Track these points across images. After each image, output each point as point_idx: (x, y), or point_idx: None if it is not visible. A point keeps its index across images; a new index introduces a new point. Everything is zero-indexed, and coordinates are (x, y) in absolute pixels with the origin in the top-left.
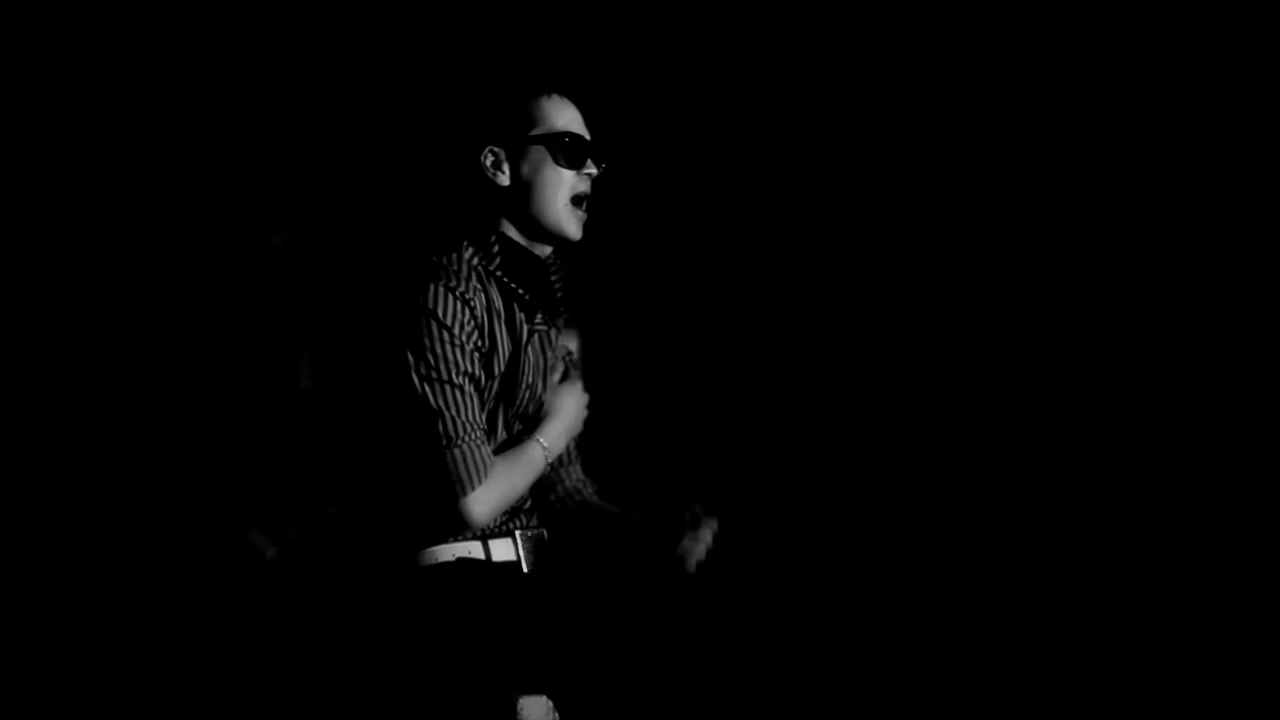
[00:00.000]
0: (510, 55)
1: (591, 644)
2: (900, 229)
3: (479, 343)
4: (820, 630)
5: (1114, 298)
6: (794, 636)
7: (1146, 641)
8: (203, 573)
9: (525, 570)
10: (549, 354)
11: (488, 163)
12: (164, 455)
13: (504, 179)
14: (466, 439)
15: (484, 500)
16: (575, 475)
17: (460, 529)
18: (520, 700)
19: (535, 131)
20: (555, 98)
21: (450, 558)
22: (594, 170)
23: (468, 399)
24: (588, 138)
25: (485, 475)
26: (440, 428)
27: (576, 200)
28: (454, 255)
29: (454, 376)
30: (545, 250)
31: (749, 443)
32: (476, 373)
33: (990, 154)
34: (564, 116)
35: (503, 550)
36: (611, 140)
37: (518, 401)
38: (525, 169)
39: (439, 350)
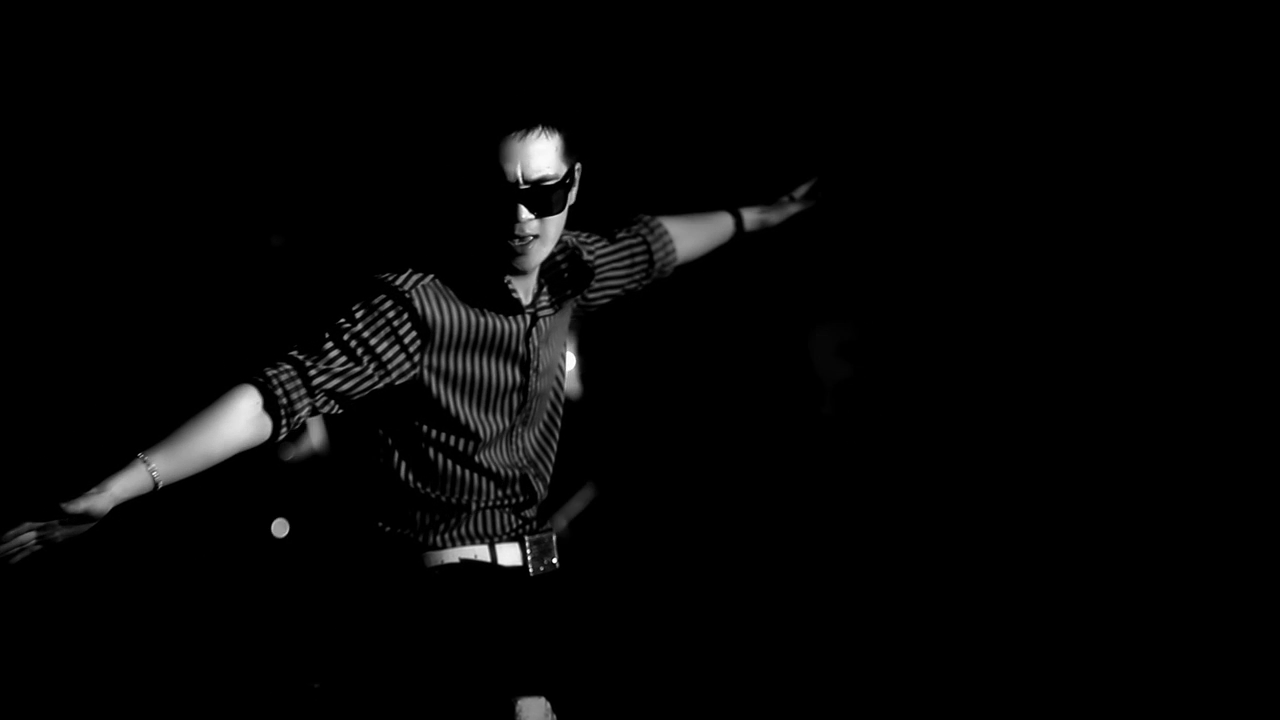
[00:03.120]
0: (492, 74)
1: (591, 644)
2: (896, 228)
3: (405, 337)
4: (820, 630)
5: (1115, 298)
6: (794, 636)
7: (1146, 641)
8: (202, 572)
9: (531, 575)
10: (556, 332)
11: (446, 194)
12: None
13: (456, 213)
14: (287, 378)
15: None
16: (653, 240)
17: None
18: (520, 701)
19: (474, 178)
20: (510, 143)
21: (455, 560)
22: (525, 219)
23: (332, 363)
24: (523, 186)
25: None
26: (290, 350)
27: (507, 253)
28: (418, 258)
29: (342, 337)
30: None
31: (747, 442)
32: (382, 352)
33: (987, 154)
34: (502, 165)
35: (509, 555)
36: (592, 132)
37: (531, 387)
38: (468, 210)
39: (350, 317)
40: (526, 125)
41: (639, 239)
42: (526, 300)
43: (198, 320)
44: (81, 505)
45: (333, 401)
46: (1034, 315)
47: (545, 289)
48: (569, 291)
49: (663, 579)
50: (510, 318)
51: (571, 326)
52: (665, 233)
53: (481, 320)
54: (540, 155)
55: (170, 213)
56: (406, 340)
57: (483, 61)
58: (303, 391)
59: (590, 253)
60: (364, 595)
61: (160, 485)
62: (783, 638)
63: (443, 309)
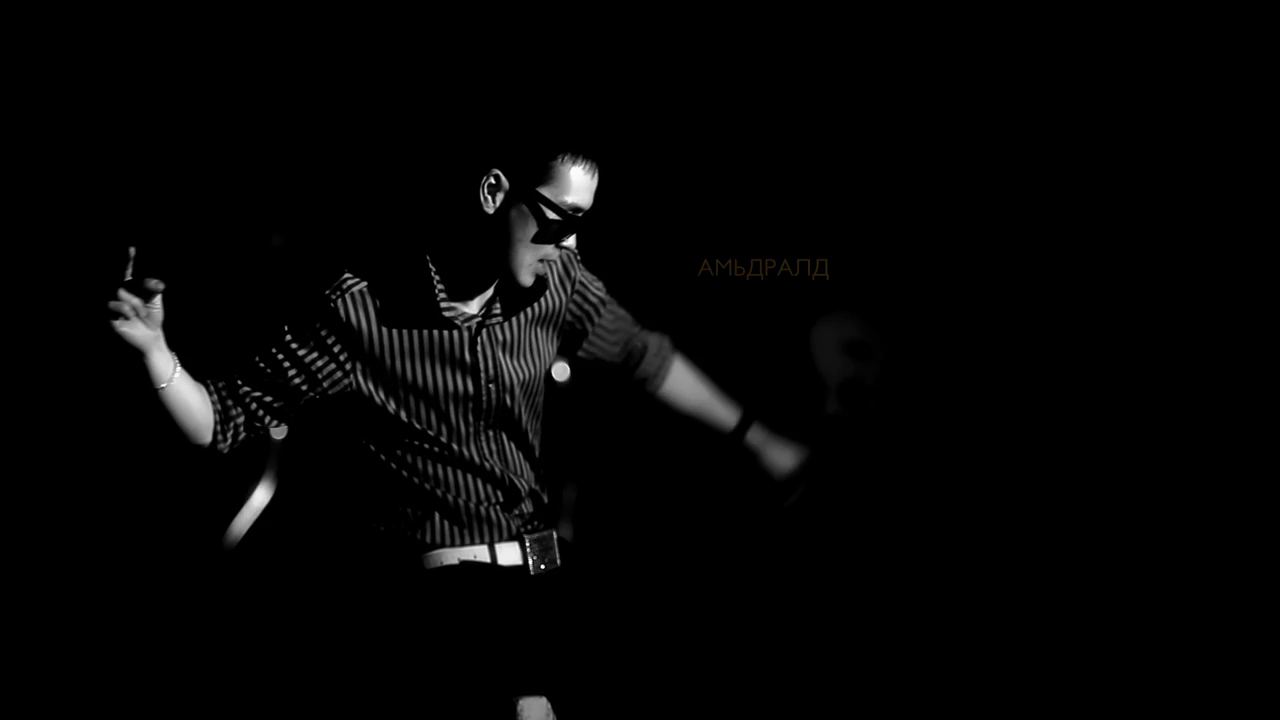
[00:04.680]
0: (536, 81)
1: (592, 644)
2: (896, 230)
3: (333, 346)
4: (820, 630)
5: (1120, 298)
6: (794, 636)
7: (1146, 642)
8: (203, 573)
9: (532, 573)
10: (525, 341)
11: (486, 184)
12: (163, 455)
13: (489, 207)
14: (223, 385)
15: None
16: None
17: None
18: (521, 700)
19: (543, 190)
20: (579, 166)
21: (455, 561)
22: (571, 244)
23: (259, 373)
24: (583, 213)
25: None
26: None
27: (531, 267)
28: (361, 263)
29: (271, 351)
30: (490, 275)
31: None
32: (309, 360)
33: (987, 155)
34: (575, 191)
35: (509, 554)
36: (599, 132)
37: (482, 396)
38: (513, 214)
39: (280, 330)
40: (599, 161)
41: (642, 343)
42: (472, 311)
43: (198, 319)
44: (151, 283)
45: (268, 416)
46: (1039, 316)
47: (497, 299)
48: (524, 302)
49: (663, 578)
50: (450, 327)
51: (563, 350)
52: (669, 362)
53: (416, 328)
54: (594, 190)
55: (171, 211)
56: (335, 349)
57: (549, 94)
58: (231, 402)
59: (598, 300)
60: (364, 596)
61: (167, 384)
62: (783, 638)
63: (371, 316)
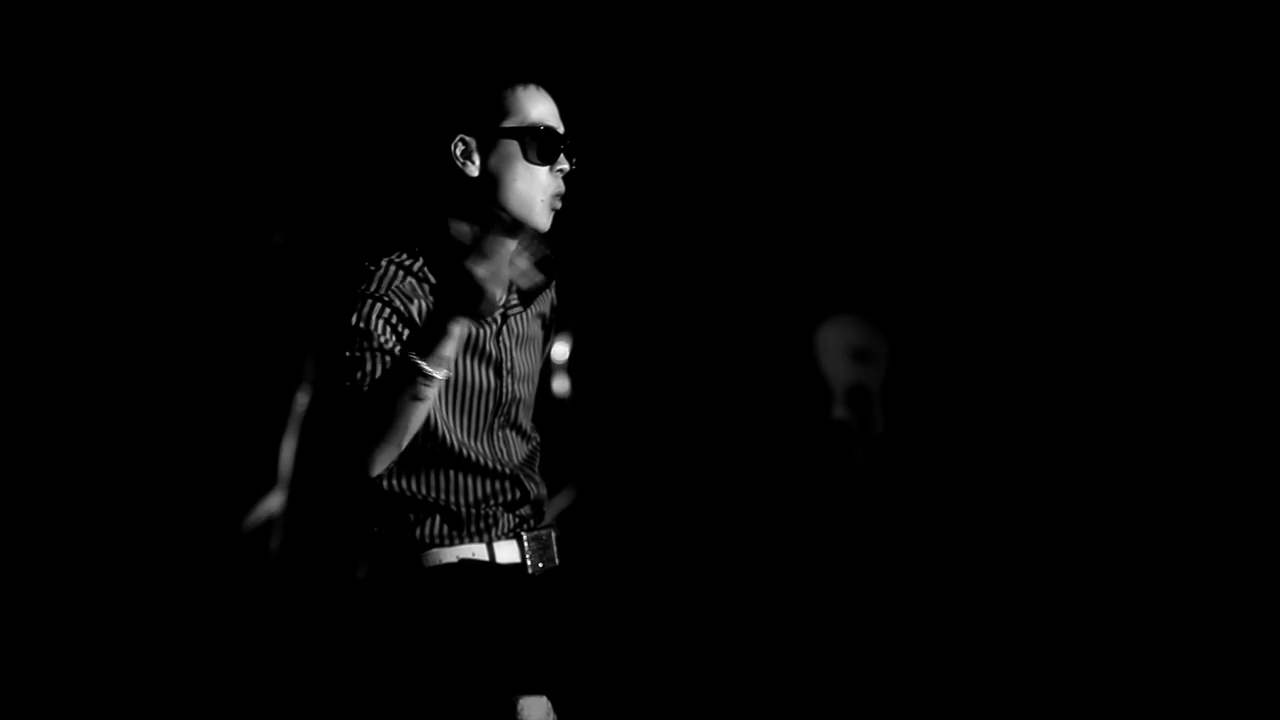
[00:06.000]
0: (487, 45)
1: (592, 642)
2: (901, 234)
3: (398, 326)
4: (820, 630)
5: (1117, 299)
6: (793, 636)
7: (1146, 642)
8: (204, 571)
9: (530, 572)
10: (530, 334)
11: (457, 152)
12: (166, 452)
13: (473, 169)
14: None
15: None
16: None
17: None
18: (520, 700)
19: (507, 123)
20: (530, 89)
21: (453, 559)
22: (566, 166)
23: (380, 360)
24: (561, 131)
25: None
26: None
27: (550, 200)
28: (384, 260)
29: (371, 344)
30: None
31: (749, 440)
32: (400, 333)
33: (991, 159)
34: (538, 109)
35: (507, 552)
36: (590, 133)
37: (503, 389)
38: (494, 161)
39: (361, 344)
40: (544, 83)
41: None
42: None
43: (200, 317)
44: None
45: None
46: (1042, 318)
47: (514, 286)
48: (537, 289)
49: (663, 576)
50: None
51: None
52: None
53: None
54: (558, 114)
55: (172, 211)
56: (402, 331)
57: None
58: None
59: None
60: (364, 597)
61: (443, 377)
62: (782, 637)
63: (415, 312)
